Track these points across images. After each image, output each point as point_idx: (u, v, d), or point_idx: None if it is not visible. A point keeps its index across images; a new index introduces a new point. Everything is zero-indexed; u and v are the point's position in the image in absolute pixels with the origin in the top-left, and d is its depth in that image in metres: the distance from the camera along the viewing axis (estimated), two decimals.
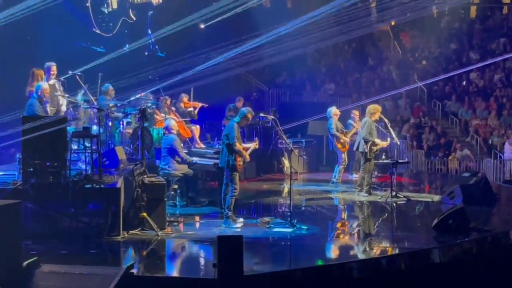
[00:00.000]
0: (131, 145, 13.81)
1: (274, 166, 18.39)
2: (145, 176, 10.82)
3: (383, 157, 14.89)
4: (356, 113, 16.76)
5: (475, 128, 22.09)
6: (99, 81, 13.56)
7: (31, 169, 9.83)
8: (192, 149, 14.44)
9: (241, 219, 11.21)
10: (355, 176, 16.06)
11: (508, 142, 19.94)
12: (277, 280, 8.03)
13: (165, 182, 11.06)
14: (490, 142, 21.28)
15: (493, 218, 12.35)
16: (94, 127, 12.41)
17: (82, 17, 16.51)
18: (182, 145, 13.33)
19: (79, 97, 12.82)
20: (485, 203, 12.91)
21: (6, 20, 12.52)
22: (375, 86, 25.16)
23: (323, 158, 19.98)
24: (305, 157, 18.24)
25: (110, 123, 13.67)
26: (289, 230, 10.68)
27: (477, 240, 9.94)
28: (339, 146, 15.94)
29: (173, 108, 15.60)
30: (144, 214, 10.27)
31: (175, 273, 8.81)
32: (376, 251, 9.72)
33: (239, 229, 10.74)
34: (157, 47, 17.97)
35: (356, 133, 15.45)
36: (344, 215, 13.26)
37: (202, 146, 15.19)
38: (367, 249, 9.92)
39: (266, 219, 11.30)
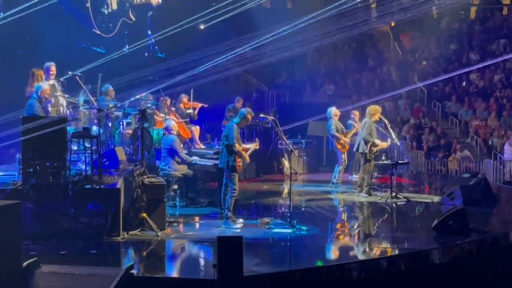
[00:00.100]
0: (131, 146, 13.81)
1: (274, 166, 18.39)
2: (145, 176, 10.82)
3: (383, 158, 14.90)
4: (356, 114, 16.76)
5: (475, 129, 22.09)
6: (99, 81, 13.56)
7: (31, 170, 9.83)
8: (192, 149, 14.44)
9: (241, 220, 11.21)
10: (355, 177, 16.06)
11: (508, 143, 19.93)
12: (277, 281, 8.04)
13: (165, 183, 11.06)
14: (490, 143, 21.27)
15: (493, 219, 12.35)
16: (94, 128, 12.42)
17: (82, 17, 16.50)
18: (182, 145, 13.33)
19: (81, 97, 12.83)
20: (485, 204, 12.92)
21: (6, 21, 12.51)
22: (375, 86, 25.15)
23: (323, 158, 19.98)
24: (305, 157, 18.24)
25: (110, 124, 13.67)
26: (289, 230, 10.69)
27: (477, 241, 9.95)
28: (339, 146, 15.94)
29: (173, 109, 15.60)
30: (144, 214, 10.27)
31: (175, 274, 8.81)
32: (376, 252, 9.72)
33: (239, 230, 10.74)
34: (157, 47, 17.96)
35: (356, 134, 15.45)
36: (344, 216, 13.26)
37: (202, 146, 15.18)
38: (367, 250, 9.92)
39: (266, 219, 11.30)
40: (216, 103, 18.02)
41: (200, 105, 16.22)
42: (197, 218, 12.04)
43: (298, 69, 26.74)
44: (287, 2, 26.78)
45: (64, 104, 12.06)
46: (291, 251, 10.03)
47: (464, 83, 24.89)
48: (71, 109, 12.41)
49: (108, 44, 16.78)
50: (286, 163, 17.50)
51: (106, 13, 17.14)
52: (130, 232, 10.11)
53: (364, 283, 8.52)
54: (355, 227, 11.84)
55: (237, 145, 10.88)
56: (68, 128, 10.91)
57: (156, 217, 10.42)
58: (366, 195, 14.07)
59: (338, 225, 12.29)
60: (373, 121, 14.19)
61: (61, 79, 12.27)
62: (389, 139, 14.64)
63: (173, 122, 13.14)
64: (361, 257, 9.52)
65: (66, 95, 12.23)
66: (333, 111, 16.17)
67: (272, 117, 14.07)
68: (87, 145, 11.20)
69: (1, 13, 13.85)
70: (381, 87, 24.41)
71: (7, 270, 7.24)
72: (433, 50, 26.93)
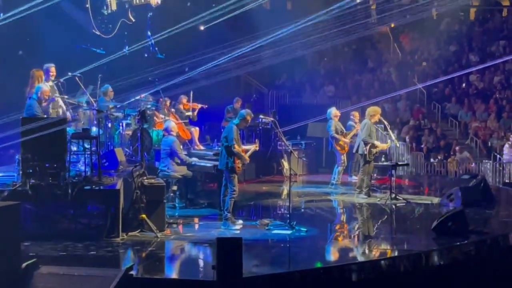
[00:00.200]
0: (131, 147, 13.80)
1: (274, 168, 18.39)
2: (145, 177, 10.81)
3: (383, 159, 14.91)
4: (356, 115, 16.74)
5: (474, 131, 22.09)
6: (99, 82, 13.57)
7: (31, 170, 9.83)
8: (191, 151, 14.44)
9: (240, 221, 11.21)
10: (355, 178, 16.06)
11: (508, 145, 19.93)
12: (276, 282, 8.03)
13: (164, 184, 11.05)
14: (489, 145, 21.28)
15: (492, 221, 12.34)
16: (94, 129, 12.41)
17: (82, 18, 16.51)
18: (181, 146, 13.33)
19: (83, 98, 12.83)
20: (485, 206, 12.92)
21: (6, 21, 12.51)
22: (375, 88, 25.17)
23: (323, 160, 19.98)
24: (304, 159, 18.25)
25: (109, 125, 13.67)
26: (288, 232, 10.68)
27: (476, 242, 9.94)
28: (338, 148, 15.94)
29: (172, 110, 15.60)
30: (143, 215, 10.26)
31: (174, 275, 8.81)
32: (375, 253, 9.71)
33: (238, 231, 10.73)
34: (156, 48, 17.96)
35: (356, 135, 15.45)
36: (344, 217, 13.26)
37: (202, 148, 15.18)
38: (366, 251, 9.91)
39: (265, 221, 11.29)
40: (216, 104, 18.02)
41: (199, 106, 16.22)
42: (196, 219, 12.04)
43: (298, 70, 26.78)
44: (287, 3, 26.79)
45: (63, 106, 12.05)
46: (291, 252, 10.02)
47: (463, 85, 24.90)
48: (70, 111, 12.41)
49: (107, 45, 16.78)
50: (285, 164, 17.50)
51: (106, 14, 17.14)
52: (130, 233, 10.11)
53: (363, 284, 8.51)
54: (355, 228, 11.84)
55: (236, 146, 10.87)
56: (67, 129, 10.91)
57: (156, 218, 10.41)
58: (366, 197, 14.06)
59: (338, 226, 12.28)
60: (372, 122, 14.19)
61: (61, 79, 12.27)
62: (389, 141, 14.64)
63: (172, 123, 13.14)
64: (360, 258, 9.52)
65: (66, 96, 12.23)
66: (333, 112, 16.17)
67: (272, 118, 14.09)
68: (87, 146, 11.20)
69: (1, 14, 13.86)
70: (381, 88, 24.41)
71: (6, 271, 7.23)
72: (433, 52, 26.94)
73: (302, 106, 23.41)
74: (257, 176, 17.55)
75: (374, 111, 14.29)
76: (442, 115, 23.92)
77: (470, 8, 28.56)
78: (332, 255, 9.98)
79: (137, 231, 10.24)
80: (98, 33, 16.69)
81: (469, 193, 13.05)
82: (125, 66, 16.01)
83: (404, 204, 13.54)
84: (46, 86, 11.24)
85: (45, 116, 11.24)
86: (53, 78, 12.06)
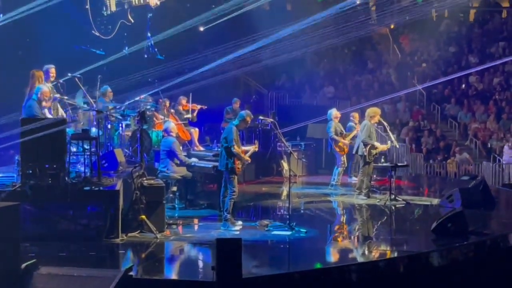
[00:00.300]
0: (130, 148, 13.80)
1: (273, 169, 18.38)
2: (144, 178, 10.81)
3: (382, 160, 14.89)
4: (355, 116, 16.70)
5: (474, 132, 22.09)
6: (98, 83, 13.57)
7: (30, 171, 9.82)
8: (191, 151, 14.43)
9: (240, 222, 11.20)
10: (354, 179, 16.06)
11: (507, 146, 19.94)
12: (276, 283, 8.03)
13: (164, 185, 11.05)
14: (489, 146, 21.28)
15: (492, 222, 12.34)
16: (93, 129, 12.41)
17: (82, 19, 16.51)
18: (181, 147, 13.33)
19: (80, 99, 12.83)
20: (484, 207, 12.91)
21: (5, 22, 12.52)
22: (374, 89, 25.16)
23: (322, 161, 19.97)
24: (304, 160, 18.24)
25: (109, 125, 13.66)
26: (288, 233, 10.68)
27: (476, 243, 9.94)
28: (338, 149, 15.92)
29: (172, 111, 15.60)
30: (143, 216, 10.26)
31: (173, 276, 8.81)
32: (375, 254, 9.72)
33: (237, 232, 10.73)
34: (156, 49, 17.97)
35: (355, 136, 15.44)
36: (343, 218, 13.26)
37: (201, 148, 15.18)
38: (366, 252, 9.91)
39: (265, 222, 11.29)
40: (215, 105, 18.03)
41: (199, 107, 16.21)
42: (196, 220, 12.03)
43: (298, 71, 26.74)
44: (286, 4, 26.78)
45: (60, 108, 12.01)
46: (290, 253, 10.02)
47: (463, 86, 24.90)
48: (70, 111, 12.41)
49: (107, 46, 16.80)
50: (285, 165, 17.50)
51: (105, 14, 17.15)
52: (129, 234, 10.10)
53: (363, 285, 8.51)
54: (354, 229, 11.84)
55: (236, 147, 10.87)
56: (67, 129, 10.90)
57: (155, 219, 10.41)
58: (365, 198, 14.06)
59: (337, 227, 12.28)
60: (372, 123, 14.20)
61: (61, 80, 12.26)
62: (389, 142, 14.64)
63: (172, 124, 13.13)
64: (360, 259, 9.52)
65: (65, 97, 12.22)
66: (334, 113, 16.15)
67: (271, 119, 14.07)
68: (86, 147, 11.19)
69: (1, 15, 13.87)
70: (381, 90, 24.41)
71: (6, 272, 7.23)
72: (433, 53, 26.95)
73: (301, 107, 23.39)
74: (256, 177, 17.54)
75: (373, 112, 14.29)
76: (441, 116, 23.92)
77: (469, 9, 28.56)
78: (332, 256, 9.98)
79: (137, 232, 10.24)
80: (97, 34, 16.70)
81: (469, 194, 13.05)
82: (124, 67, 16.02)
83: (403, 205, 13.54)
84: (46, 87, 11.23)
85: (49, 115, 11.27)
86: (52, 79, 12.05)
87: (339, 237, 11.44)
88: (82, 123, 12.84)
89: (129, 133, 14.09)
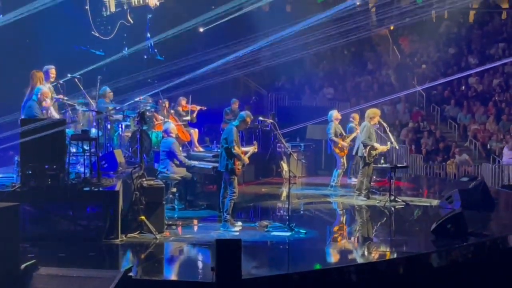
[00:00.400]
0: (130, 148, 13.80)
1: (273, 169, 18.39)
2: (144, 179, 10.81)
3: (382, 161, 14.89)
4: (356, 117, 16.68)
5: (473, 133, 22.10)
6: (98, 84, 13.57)
7: (30, 172, 9.82)
8: (190, 152, 14.44)
9: (240, 223, 11.20)
10: (354, 180, 16.06)
11: (507, 147, 19.95)
12: (275, 284, 8.03)
13: (163, 186, 11.05)
14: (488, 147, 21.30)
15: (491, 223, 12.35)
16: (93, 130, 12.41)
17: (81, 20, 16.51)
18: (180, 148, 13.33)
19: (82, 99, 12.84)
20: (484, 208, 12.91)
21: (5, 22, 12.52)
22: (374, 90, 25.17)
23: (322, 162, 19.98)
24: (303, 161, 18.23)
25: (109, 126, 13.66)
26: (288, 234, 10.68)
27: (476, 244, 9.94)
28: (337, 151, 15.92)
29: (172, 111, 15.60)
30: (143, 217, 10.26)
31: (173, 277, 8.80)
32: (374, 255, 9.72)
33: (237, 233, 10.72)
34: (156, 50, 17.97)
35: (356, 138, 15.44)
36: (343, 219, 13.26)
37: (201, 149, 15.17)
38: (366, 253, 9.92)
39: (265, 222, 11.29)
40: (215, 106, 18.04)
41: (198, 108, 16.21)
42: (195, 221, 12.02)
43: (297, 73, 26.76)
44: (286, 5, 26.79)
45: (54, 113, 11.98)
46: (290, 254, 10.02)
47: (463, 87, 24.92)
48: (70, 112, 12.40)
49: (107, 47, 16.79)
50: (285, 166, 17.50)
51: (105, 15, 17.16)
52: (129, 235, 10.10)
53: (362, 286, 8.51)
54: (354, 230, 11.84)
55: (236, 148, 10.87)
56: (67, 130, 10.90)
57: (155, 219, 10.41)
58: (365, 199, 14.06)
59: (337, 228, 12.28)
60: (372, 124, 14.20)
61: (60, 81, 12.27)
62: (389, 143, 14.64)
63: (172, 125, 13.14)
64: (359, 260, 9.52)
65: (65, 98, 12.22)
66: (334, 114, 16.14)
67: (271, 120, 14.07)
68: (86, 147, 11.19)
69: (1, 15, 13.86)
70: (380, 91, 24.43)
71: (5, 272, 7.22)
72: (432, 54, 26.97)
73: (301, 108, 23.39)
74: (256, 178, 17.54)
75: (373, 113, 14.30)
76: (441, 118, 23.93)
77: (469, 10, 28.58)
78: (331, 257, 9.98)
79: (136, 233, 10.24)
80: (97, 34, 16.70)
81: (468, 195, 13.06)
82: (124, 67, 16.02)
83: (403, 206, 13.54)
84: (46, 88, 11.23)
85: (56, 114, 11.26)
86: (52, 80, 12.06)
87: (338, 238, 11.44)
88: (81, 124, 12.84)
89: (129, 134, 14.09)
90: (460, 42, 27.09)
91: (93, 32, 16.65)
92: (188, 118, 15.78)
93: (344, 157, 16.04)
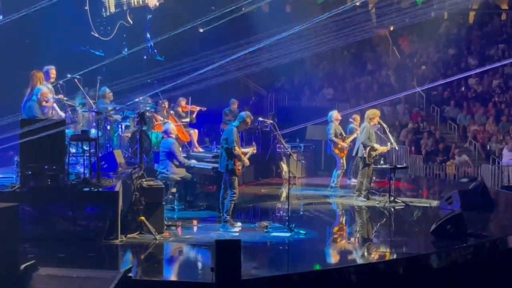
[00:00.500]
0: (130, 149, 13.80)
1: (273, 170, 18.39)
2: (143, 179, 10.80)
3: (382, 162, 14.89)
4: (357, 118, 16.66)
5: (473, 134, 22.11)
6: (98, 84, 13.57)
7: (29, 172, 9.82)
8: (190, 153, 14.44)
9: (239, 224, 11.20)
10: (354, 181, 16.06)
11: (507, 148, 19.95)
12: (275, 285, 8.02)
13: (163, 186, 11.05)
14: (488, 148, 21.30)
15: (491, 224, 12.36)
16: (93, 131, 12.41)
17: (81, 20, 16.52)
18: (180, 149, 13.33)
19: (82, 100, 12.84)
20: (483, 209, 12.91)
21: (5, 21, 12.52)
22: (374, 91, 25.18)
23: (322, 162, 19.98)
24: (303, 161, 18.24)
25: (108, 127, 13.66)
26: (287, 234, 10.68)
27: (475, 245, 9.94)
28: (337, 151, 15.92)
29: (171, 112, 15.60)
30: (142, 218, 10.25)
31: (173, 277, 8.80)
32: (374, 256, 9.72)
33: (237, 233, 10.72)
34: (155, 50, 17.97)
35: (356, 139, 15.43)
36: (342, 220, 13.26)
37: (201, 150, 15.18)
38: (365, 254, 9.91)
39: (264, 223, 11.29)
40: (215, 107, 18.03)
41: (198, 108, 16.22)
42: (195, 222, 12.02)
43: (297, 73, 26.77)
44: (286, 6, 26.81)
45: (58, 109, 12.00)
46: (289, 254, 10.02)
47: (462, 88, 24.92)
48: (69, 112, 12.40)
49: (107, 47, 16.80)
50: (284, 167, 17.49)
51: (104, 16, 17.16)
52: (128, 235, 10.10)
53: (362, 287, 8.51)
54: (354, 231, 11.84)
55: (236, 148, 10.87)
56: (66, 131, 10.90)
57: (154, 220, 10.40)
58: (365, 199, 14.06)
59: (336, 229, 12.28)
60: (372, 125, 14.20)
61: (61, 81, 12.27)
62: (389, 144, 14.64)
63: (172, 125, 13.14)
64: (359, 261, 9.52)
65: (65, 98, 12.22)
66: (334, 115, 16.14)
67: (271, 121, 14.07)
68: (86, 148, 11.19)
69: (0, 16, 13.86)
70: (380, 92, 24.44)
71: (5, 273, 7.22)
72: (432, 55, 26.98)
73: (301, 109, 23.40)
74: (256, 178, 17.54)
75: (373, 114, 14.30)
76: (441, 118, 23.94)
77: (469, 11, 28.58)
78: (331, 258, 9.97)
79: (136, 233, 10.23)
80: (96, 35, 16.71)
81: (468, 196, 13.05)
82: (124, 68, 16.02)
83: (403, 207, 13.54)
84: (45, 88, 11.23)
85: (60, 112, 11.26)
86: (52, 80, 12.06)
87: (338, 238, 11.43)
88: (81, 124, 12.84)
89: (129, 134, 14.09)
90: (460, 43, 27.11)
91: (92, 33, 16.66)
92: (187, 120, 15.77)
93: (344, 158, 16.05)
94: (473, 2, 26.72)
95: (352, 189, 15.18)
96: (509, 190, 16.77)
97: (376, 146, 14.14)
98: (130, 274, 7.77)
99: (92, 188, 10.19)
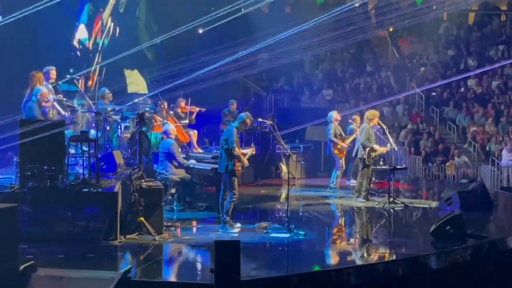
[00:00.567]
0: (129, 150, 13.80)
1: (272, 171, 18.37)
2: (143, 180, 10.79)
3: (381, 163, 14.89)
4: (357, 119, 16.63)
5: (472, 135, 22.11)
6: (97, 85, 13.58)
7: (29, 173, 9.82)
8: (189, 154, 14.43)
9: (239, 224, 11.19)
10: (353, 182, 16.05)
11: (506, 149, 19.95)
12: (274, 286, 8.02)
13: (162, 187, 11.04)
14: (487, 149, 21.30)
15: (490, 225, 12.35)
16: (92, 131, 12.40)
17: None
18: (180, 149, 13.32)
19: (81, 101, 12.84)
20: (483, 210, 12.92)
21: (4, 23, 12.52)
22: (373, 92, 25.18)
23: (321, 163, 19.96)
24: (302, 162, 18.23)
25: (108, 127, 13.66)
26: (287, 235, 10.67)
27: (474, 246, 9.94)
28: (336, 152, 15.92)
29: (171, 113, 15.60)
30: (142, 218, 10.25)
31: (172, 278, 8.79)
32: (373, 257, 9.71)
33: (236, 234, 10.71)
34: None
35: (355, 139, 15.43)
36: (342, 220, 13.25)
37: (200, 151, 15.18)
38: (365, 255, 9.91)
39: (264, 224, 11.28)
40: (214, 108, 18.03)
41: (197, 109, 16.21)
42: (194, 223, 12.02)
43: (296, 74, 26.77)
44: (285, 7, 26.81)
45: (59, 108, 12.01)
46: (289, 255, 10.02)
47: (462, 89, 24.92)
48: (69, 113, 12.41)
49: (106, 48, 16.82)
50: (284, 167, 17.44)
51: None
52: (128, 236, 10.09)
53: None
54: (353, 232, 11.83)
55: (236, 149, 10.86)
56: (66, 131, 10.90)
57: (154, 221, 10.39)
58: (364, 200, 14.06)
59: (336, 230, 12.27)
60: (371, 126, 14.20)
61: (60, 82, 12.27)
62: (389, 144, 14.64)
63: (171, 126, 13.14)
64: (358, 262, 9.52)
65: (64, 99, 12.22)
66: (334, 115, 16.14)
67: (270, 122, 14.06)
68: (85, 148, 11.18)
69: (0, 17, 13.86)
70: (379, 93, 24.44)
71: (4, 274, 7.21)
72: (431, 56, 26.97)
73: (300, 110, 23.40)
74: (255, 179, 17.54)
75: (372, 115, 14.31)
76: (440, 119, 23.93)
77: (468, 12, 28.59)
78: (330, 259, 9.96)
79: (135, 234, 10.22)
80: None
81: (467, 197, 13.06)
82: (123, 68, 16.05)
83: (402, 208, 13.53)
84: (44, 88, 11.23)
85: (63, 111, 11.26)
86: (52, 81, 12.05)
87: (337, 239, 11.43)
88: (81, 125, 12.85)
89: (128, 135, 14.09)
90: (459, 44, 27.10)
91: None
92: (186, 121, 15.77)
93: (343, 159, 16.04)
94: (473, 3, 26.75)
95: (351, 190, 15.17)
96: (509, 191, 16.77)
97: (376, 147, 14.14)
98: (129, 275, 7.76)
99: (91, 189, 10.18)
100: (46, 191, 9.80)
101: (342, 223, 12.95)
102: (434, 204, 14.04)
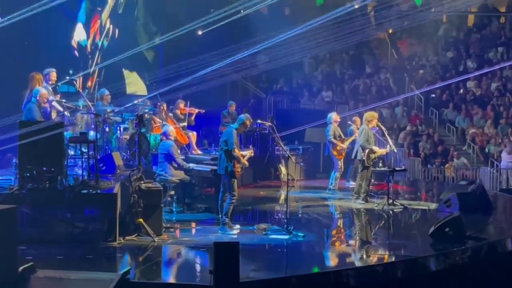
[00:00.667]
0: (128, 151, 13.79)
1: (271, 173, 18.38)
2: (142, 182, 10.79)
3: (380, 164, 14.90)
4: (357, 120, 16.61)
5: (472, 137, 22.11)
6: (97, 86, 13.57)
7: (28, 174, 9.81)
8: (189, 155, 14.43)
9: (238, 226, 11.19)
10: (352, 184, 16.05)
11: (505, 151, 19.95)
12: (273, 287, 8.02)
13: (161, 188, 11.04)
14: (487, 151, 21.30)
15: (489, 227, 12.34)
16: (91, 133, 12.40)
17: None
18: (179, 151, 13.32)
19: (80, 102, 12.84)
20: (482, 212, 12.92)
21: (3, 25, 12.52)
22: (372, 93, 25.18)
23: (320, 165, 19.96)
24: (302, 164, 18.23)
25: (107, 129, 13.64)
26: (286, 237, 10.67)
27: (474, 248, 9.94)
28: (335, 153, 15.92)
29: (170, 114, 15.59)
30: (141, 220, 10.25)
31: (171, 279, 8.79)
32: (372, 259, 9.71)
33: (235, 236, 10.72)
34: None
35: (354, 141, 15.44)
36: (341, 222, 13.25)
37: (199, 152, 15.17)
38: (364, 256, 9.91)
39: (263, 226, 11.28)
40: (214, 109, 18.03)
41: (196, 110, 16.20)
42: (193, 224, 12.02)
43: (296, 76, 26.77)
44: (285, 8, 26.82)
45: (59, 107, 12.01)
46: (288, 257, 10.01)
47: (461, 91, 24.93)
48: (68, 114, 12.40)
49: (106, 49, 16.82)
50: (283, 169, 17.45)
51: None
52: (127, 238, 10.09)
53: None
54: (352, 233, 11.83)
55: (236, 150, 10.86)
56: (65, 133, 10.89)
57: (153, 222, 10.39)
58: (363, 202, 14.06)
59: (335, 232, 12.28)
60: (370, 127, 14.21)
61: (59, 83, 12.27)
62: (388, 146, 14.64)
63: (171, 128, 13.14)
64: (357, 263, 9.52)
65: (63, 100, 12.22)
66: (334, 116, 16.14)
67: (270, 123, 14.06)
68: (84, 150, 11.17)
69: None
70: (378, 94, 24.45)
71: (3, 275, 7.21)
72: (431, 58, 26.99)
73: (299, 111, 23.40)
74: (254, 181, 17.54)
75: (371, 116, 14.32)
76: (439, 121, 23.94)
77: (468, 14, 28.61)
78: (329, 260, 9.96)
79: (134, 236, 10.22)
80: None
81: (467, 199, 13.06)
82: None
83: (401, 209, 13.54)
84: (44, 90, 11.23)
85: (62, 110, 11.25)
86: (51, 82, 12.05)
87: (336, 241, 11.43)
88: (80, 126, 12.84)
89: (127, 137, 14.08)
90: (459, 45, 27.12)
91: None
92: (185, 123, 15.76)
93: (341, 160, 16.03)
94: (472, 5, 26.78)
95: (350, 192, 15.17)
96: (508, 192, 16.77)
97: (375, 148, 14.15)
98: (128, 276, 7.76)
99: (91, 190, 10.17)
100: (45, 192, 9.80)
101: (341, 225, 12.95)
102: (433, 206, 14.04)
